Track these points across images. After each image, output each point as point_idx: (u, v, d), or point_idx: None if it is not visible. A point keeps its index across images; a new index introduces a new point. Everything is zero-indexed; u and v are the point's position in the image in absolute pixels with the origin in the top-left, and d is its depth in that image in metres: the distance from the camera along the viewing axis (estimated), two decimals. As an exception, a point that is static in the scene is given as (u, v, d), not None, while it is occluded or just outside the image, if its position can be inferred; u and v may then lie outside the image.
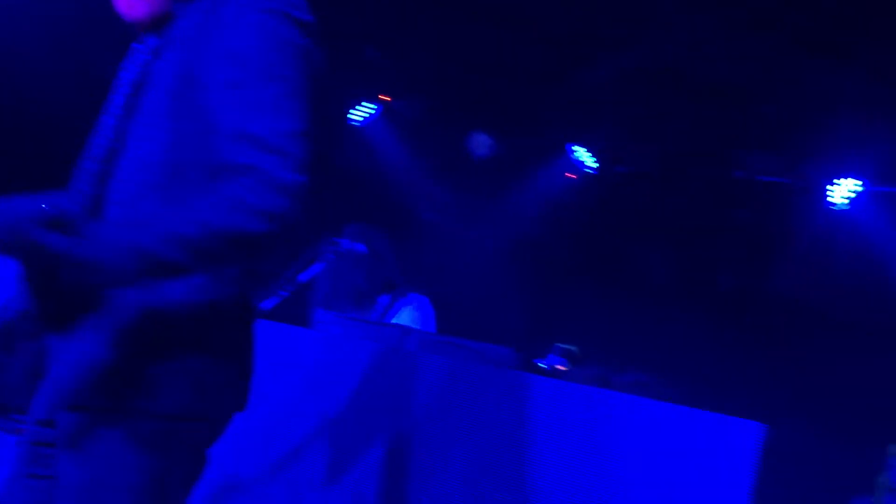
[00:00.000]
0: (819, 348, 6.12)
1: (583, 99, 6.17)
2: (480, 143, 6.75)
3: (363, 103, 6.70)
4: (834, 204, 5.90)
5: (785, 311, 6.30)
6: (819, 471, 5.57)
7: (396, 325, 3.19)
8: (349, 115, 6.72)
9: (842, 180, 5.82)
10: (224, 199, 1.41)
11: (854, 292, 5.99)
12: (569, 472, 2.27)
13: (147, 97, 1.56)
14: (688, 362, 6.32)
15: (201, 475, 1.58)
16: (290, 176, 1.42)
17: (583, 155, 6.68)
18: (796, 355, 6.18)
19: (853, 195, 5.78)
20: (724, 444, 1.99)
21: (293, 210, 1.42)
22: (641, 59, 5.55)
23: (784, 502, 4.11)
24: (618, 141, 6.55)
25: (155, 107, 1.54)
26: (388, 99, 6.76)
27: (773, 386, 6.14)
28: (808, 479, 5.51)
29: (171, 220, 1.42)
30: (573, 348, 4.79)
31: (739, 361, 6.28)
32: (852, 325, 5.99)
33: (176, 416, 1.50)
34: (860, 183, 5.77)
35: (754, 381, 6.18)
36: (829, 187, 5.90)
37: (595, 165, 6.67)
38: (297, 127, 1.47)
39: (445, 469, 2.32)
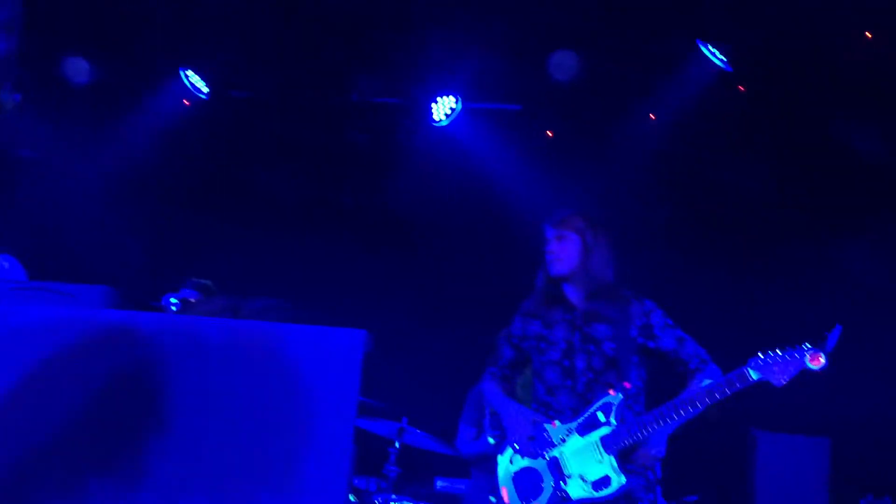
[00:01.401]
0: (431, 256, 6.67)
1: (193, 21, 5.90)
2: (77, 68, 6.14)
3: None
4: (436, 121, 6.34)
5: (401, 225, 6.73)
6: (427, 363, 6.19)
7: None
8: None
9: (441, 98, 6.26)
10: None
11: (459, 204, 6.58)
12: (199, 397, 2.23)
13: None
14: (319, 281, 6.51)
15: None
16: None
17: (196, 79, 6.40)
18: (414, 264, 6.68)
19: (450, 112, 6.25)
20: (336, 353, 2.14)
21: None
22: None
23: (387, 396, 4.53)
24: (232, 65, 6.38)
25: None
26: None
27: (399, 293, 6.58)
28: (420, 373, 6.08)
29: None
30: (207, 281, 4.69)
31: (365, 275, 6.62)
32: (460, 234, 6.60)
33: None
34: (456, 99, 6.26)
35: (382, 291, 6.58)
36: (432, 105, 6.32)
37: (207, 90, 6.44)
38: None
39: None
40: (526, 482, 3.20)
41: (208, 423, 2.25)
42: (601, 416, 3.12)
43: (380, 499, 4.35)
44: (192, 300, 4.48)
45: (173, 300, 4.21)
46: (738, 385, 2.95)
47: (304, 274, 6.52)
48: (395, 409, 4.58)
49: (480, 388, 4.05)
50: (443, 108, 6.26)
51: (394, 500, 4.34)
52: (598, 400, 3.14)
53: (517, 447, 3.22)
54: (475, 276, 6.41)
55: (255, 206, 6.72)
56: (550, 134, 6.53)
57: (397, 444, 4.47)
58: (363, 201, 6.98)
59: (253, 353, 2.30)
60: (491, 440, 3.37)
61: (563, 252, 3.27)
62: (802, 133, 5.79)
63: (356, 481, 4.59)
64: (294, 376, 2.24)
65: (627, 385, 3.13)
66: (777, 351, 2.92)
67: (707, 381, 3.08)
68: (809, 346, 2.89)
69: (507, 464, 3.28)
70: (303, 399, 2.23)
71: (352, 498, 4.40)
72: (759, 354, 2.94)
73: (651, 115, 6.18)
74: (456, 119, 6.34)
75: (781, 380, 2.90)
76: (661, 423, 3.03)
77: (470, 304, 6.26)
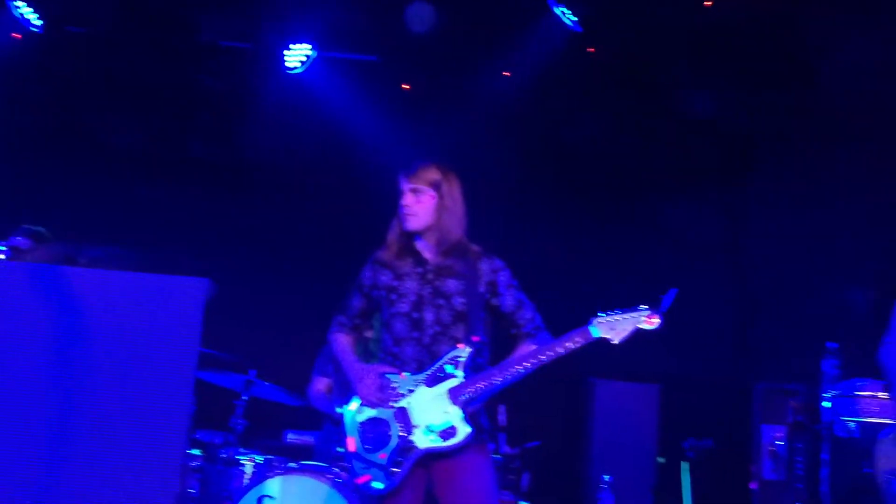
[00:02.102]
0: (284, 206, 6.55)
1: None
2: None
3: None
4: (290, 69, 6.19)
5: (252, 173, 6.56)
6: (278, 314, 6.14)
7: None
8: None
9: (295, 46, 6.11)
10: None
11: (313, 154, 6.47)
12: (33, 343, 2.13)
13: None
14: (164, 230, 6.27)
15: None
16: None
17: (27, 11, 5.93)
18: (265, 213, 6.54)
19: (305, 60, 6.11)
20: (176, 301, 2.10)
21: None
22: None
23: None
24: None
25: None
26: None
27: (249, 243, 6.44)
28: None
29: None
30: (41, 228, 4.43)
31: (214, 224, 6.43)
32: (314, 184, 6.51)
33: None
34: (311, 47, 6.12)
35: (232, 241, 6.42)
36: (285, 52, 6.15)
37: (40, 24, 5.98)
38: None
39: None
40: (373, 432, 3.24)
41: (39, 374, 2.16)
42: (449, 368, 3.18)
43: (226, 452, 4.28)
44: (24, 248, 4.22)
45: (1, 247, 3.94)
46: (579, 342, 3.08)
47: (149, 222, 6.27)
48: (243, 362, 4.51)
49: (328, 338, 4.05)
50: (297, 55, 6.10)
51: (241, 454, 4.29)
52: (446, 353, 3.19)
53: (364, 398, 3.24)
54: (328, 226, 6.36)
55: (95, 151, 6.36)
56: (406, 86, 6.51)
57: (245, 397, 4.41)
58: (212, 148, 6.73)
59: (90, 301, 2.22)
60: (339, 410, 3.38)
61: (418, 206, 3.28)
62: (646, 96, 6.05)
63: (201, 435, 4.49)
64: (133, 324, 2.18)
65: (476, 339, 3.20)
66: (617, 310, 3.06)
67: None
68: (646, 308, 3.04)
69: (354, 414, 3.31)
70: (142, 348, 2.18)
71: (197, 451, 4.31)
72: (601, 313, 3.07)
73: (505, 72, 6.28)
74: (310, 67, 6.21)
75: (618, 338, 3.05)
76: (506, 376, 3.13)
77: (322, 254, 6.22)
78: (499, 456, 4.88)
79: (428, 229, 3.30)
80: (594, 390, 5.91)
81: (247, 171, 6.56)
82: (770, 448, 4.63)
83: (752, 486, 4.66)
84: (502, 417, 5.14)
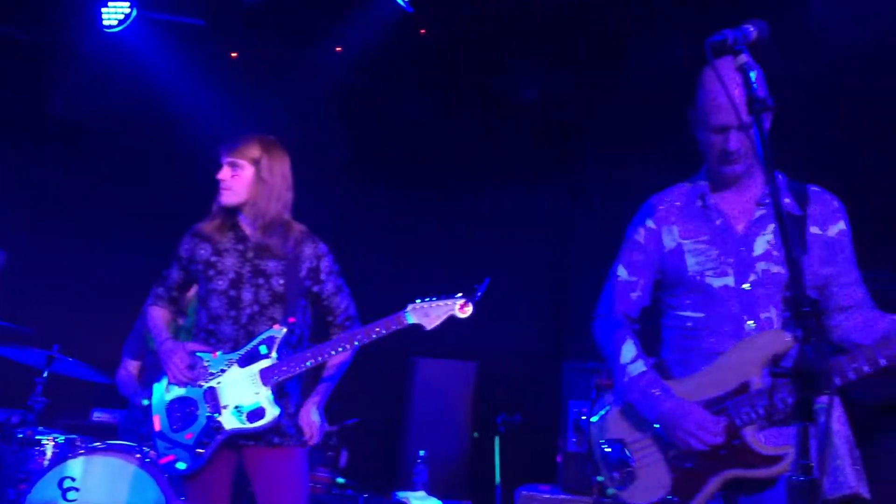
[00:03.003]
0: (97, 169, 6.20)
1: None
2: None
3: None
4: (107, 27, 5.85)
5: (66, 133, 6.17)
6: (85, 286, 5.81)
7: None
8: None
9: (113, 2, 5.78)
10: None
11: (132, 117, 6.15)
12: None
13: None
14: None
15: None
16: None
17: None
18: (77, 176, 6.16)
19: (123, 19, 5.80)
20: None
21: None
22: None
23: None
24: None
25: None
26: None
27: (58, 208, 6.06)
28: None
29: None
30: None
31: (18, 186, 6.01)
32: (132, 148, 6.19)
33: None
34: (129, 4, 5.82)
35: (37, 205, 6.02)
36: (102, 9, 5.81)
37: None
38: None
39: None
40: (180, 411, 3.16)
41: None
42: (263, 349, 3.15)
43: (24, 432, 4.04)
44: None
45: None
46: (394, 327, 3.12)
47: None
48: (45, 336, 4.26)
49: (144, 312, 3.90)
50: (114, 13, 5.77)
51: (41, 434, 4.07)
52: (261, 333, 3.16)
53: (174, 376, 3.15)
54: (146, 195, 6.07)
55: None
56: (234, 55, 6.32)
57: (45, 374, 4.18)
58: (22, 103, 6.23)
59: None
60: (145, 402, 3.24)
61: (234, 180, 3.21)
62: (474, 80, 6.18)
63: (-4, 413, 4.22)
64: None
65: (292, 320, 3.18)
66: (433, 297, 3.13)
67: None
68: (461, 296, 3.12)
69: (163, 392, 3.22)
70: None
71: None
72: (417, 300, 3.13)
73: (337, 48, 6.21)
74: (131, 27, 5.89)
75: (431, 324, 3.12)
76: (319, 359, 3.13)
77: (137, 223, 5.94)
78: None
79: (246, 205, 3.24)
80: (415, 368, 6.01)
81: (60, 130, 6.14)
82: (575, 422, 4.89)
83: (558, 458, 4.91)
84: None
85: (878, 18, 4.57)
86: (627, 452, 2.57)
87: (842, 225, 2.58)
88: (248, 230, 3.25)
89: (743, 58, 2.09)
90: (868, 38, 4.61)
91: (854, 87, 4.61)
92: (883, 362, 2.32)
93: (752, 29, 2.13)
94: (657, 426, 2.51)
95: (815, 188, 2.63)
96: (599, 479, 2.61)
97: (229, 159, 3.23)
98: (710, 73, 2.49)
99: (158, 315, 3.34)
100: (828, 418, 1.80)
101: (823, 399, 1.80)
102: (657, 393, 2.51)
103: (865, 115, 4.66)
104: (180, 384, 3.17)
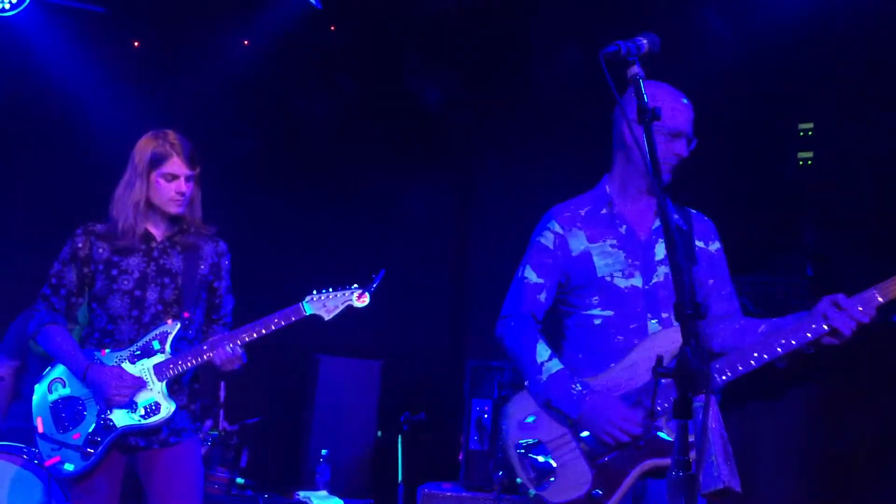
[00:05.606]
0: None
1: None
2: None
3: None
4: (0, 10, 5.61)
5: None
6: None
7: None
8: None
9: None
10: None
11: (22, 107, 5.89)
12: None
13: None
14: None
15: None
16: None
17: None
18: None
19: (16, 2, 5.57)
20: None
21: None
22: None
23: None
24: None
25: None
26: None
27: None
28: None
29: None
30: None
31: None
32: (20, 139, 5.93)
33: None
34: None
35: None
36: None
37: None
38: None
39: None
40: (67, 411, 3.06)
41: None
42: (156, 345, 3.08)
43: None
44: None
45: None
46: (293, 318, 3.11)
47: None
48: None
49: (27, 314, 3.75)
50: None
51: None
52: (155, 328, 3.09)
53: (113, 398, 3.02)
54: (36, 187, 5.81)
55: None
56: (137, 44, 6.14)
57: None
58: None
59: None
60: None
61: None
62: (380, 79, 6.17)
63: None
64: None
65: (186, 315, 3.12)
66: (329, 288, 3.14)
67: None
68: (357, 286, 3.15)
69: (45, 392, 3.10)
70: None
71: None
72: (314, 291, 3.13)
73: (245, 41, 6.11)
74: (26, 11, 5.65)
75: (329, 315, 3.13)
76: (214, 353, 3.07)
77: (25, 218, 5.69)
78: (216, 433, 4.80)
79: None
80: (318, 366, 5.96)
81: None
82: (477, 420, 4.95)
83: (460, 456, 4.95)
84: (222, 394, 5.05)
85: (766, 33, 4.79)
86: (546, 452, 2.61)
87: (718, 244, 2.84)
88: (154, 230, 3.17)
89: (635, 69, 2.16)
90: (750, 55, 4.85)
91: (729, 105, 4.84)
92: (753, 364, 2.55)
93: (644, 42, 2.20)
94: (576, 422, 2.58)
95: (693, 210, 2.85)
96: (518, 480, 2.65)
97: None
98: (654, 82, 2.58)
99: (60, 333, 3.12)
100: (704, 416, 1.89)
101: (701, 398, 1.89)
102: (579, 389, 2.59)
103: (737, 133, 4.92)
104: (66, 384, 3.08)
